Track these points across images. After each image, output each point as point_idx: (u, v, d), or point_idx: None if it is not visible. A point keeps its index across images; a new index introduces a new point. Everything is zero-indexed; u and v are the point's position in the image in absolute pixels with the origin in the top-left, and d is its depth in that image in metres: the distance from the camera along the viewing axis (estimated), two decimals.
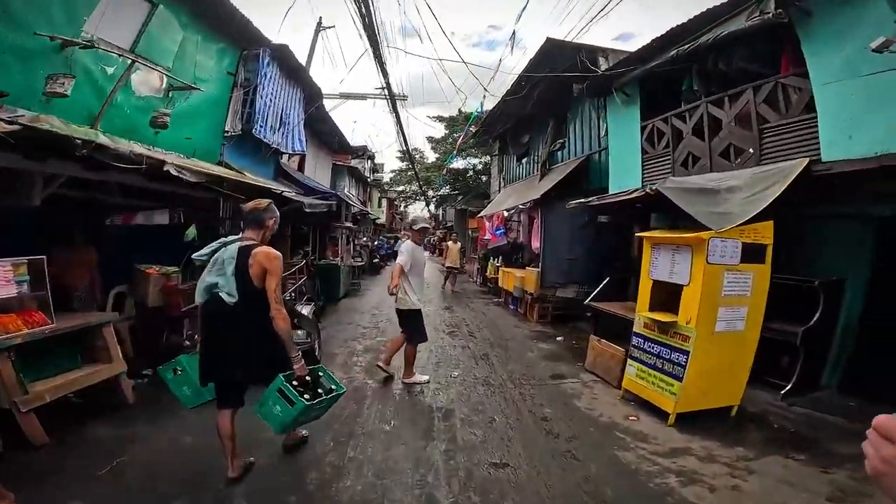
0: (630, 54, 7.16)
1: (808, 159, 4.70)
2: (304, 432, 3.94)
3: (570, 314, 9.66)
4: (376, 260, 21.48)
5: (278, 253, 3.03)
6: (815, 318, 5.03)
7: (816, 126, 4.77)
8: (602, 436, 4.22)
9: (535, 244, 10.21)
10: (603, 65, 8.21)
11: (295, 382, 3.11)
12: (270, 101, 8.72)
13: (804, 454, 3.86)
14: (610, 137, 8.35)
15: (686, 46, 5.97)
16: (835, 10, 4.60)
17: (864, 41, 4.38)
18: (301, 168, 13.01)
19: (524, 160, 14.77)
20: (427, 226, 6.11)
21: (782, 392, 5.08)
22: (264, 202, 3.24)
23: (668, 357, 4.67)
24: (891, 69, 4.18)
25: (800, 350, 5.01)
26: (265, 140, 8.66)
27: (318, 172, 14.91)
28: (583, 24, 43.21)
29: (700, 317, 4.41)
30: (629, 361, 5.20)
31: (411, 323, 5.40)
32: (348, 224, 14.10)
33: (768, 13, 4.86)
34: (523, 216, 12.50)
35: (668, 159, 6.86)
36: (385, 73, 9.55)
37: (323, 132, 14.69)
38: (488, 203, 17.82)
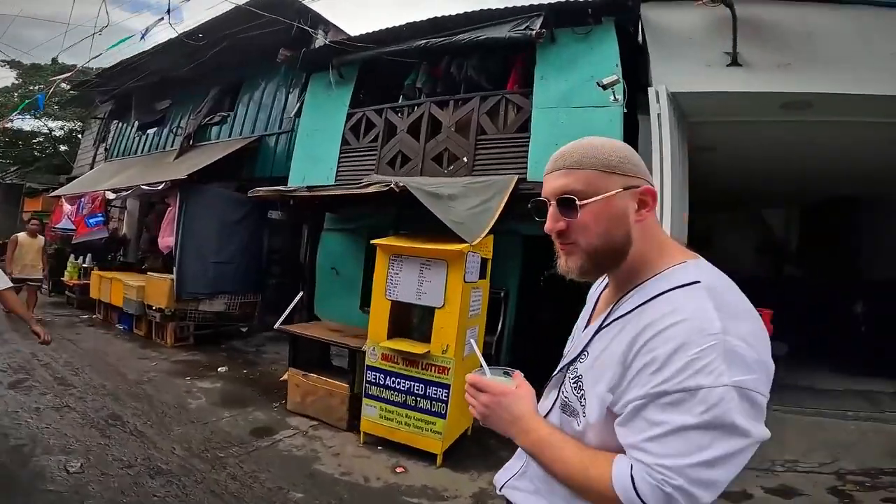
0: (371, 33, 6.22)
1: (517, 176, 4.97)
2: None
3: (219, 332, 7.48)
4: None
5: None
6: (500, 327, 5.35)
7: (528, 145, 5.17)
8: None
9: (167, 241, 7.35)
10: (320, 39, 6.89)
11: None
12: None
13: None
14: (303, 119, 6.94)
15: (431, 41, 5.56)
16: (571, 43, 5.11)
17: (585, 75, 4.98)
18: None
19: (152, 130, 11.04)
20: None
21: None
22: None
23: (422, 393, 3.92)
24: (593, 105, 4.90)
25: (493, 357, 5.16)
26: None
27: None
28: None
29: (457, 343, 3.79)
30: (366, 401, 4.15)
31: None
32: None
33: (532, 30, 4.94)
34: (140, 203, 9.30)
35: (374, 155, 6.17)
36: None
37: None
38: (68, 180, 12.60)
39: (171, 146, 10.04)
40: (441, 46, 5.63)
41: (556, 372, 1.01)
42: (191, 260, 7.02)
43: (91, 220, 8.87)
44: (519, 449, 1.01)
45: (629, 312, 0.86)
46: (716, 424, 0.73)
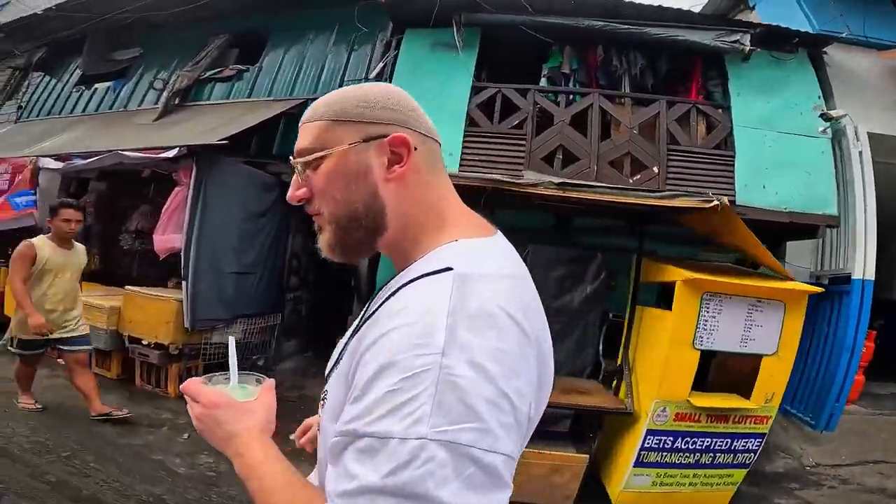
0: None
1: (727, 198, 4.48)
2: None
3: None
4: None
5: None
6: None
7: (731, 163, 4.70)
8: None
9: (168, 240, 4.81)
10: None
11: None
12: None
13: None
14: (398, 84, 5.29)
15: (610, 24, 4.76)
16: (765, 65, 4.81)
17: (787, 101, 4.73)
18: None
19: (104, 85, 7.87)
20: None
21: None
22: None
23: (726, 447, 3.40)
24: (801, 133, 4.68)
25: None
26: None
27: None
28: None
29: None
30: (636, 471, 3.30)
31: None
32: None
33: (743, 45, 4.53)
34: (63, 179, 6.47)
35: (519, 145, 4.98)
36: None
37: None
38: None
39: (139, 105, 7.26)
40: (622, 34, 4.86)
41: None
42: (206, 270, 4.81)
43: (17, 200, 5.86)
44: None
45: (376, 310, 0.65)
46: (406, 493, 0.50)
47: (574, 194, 3.45)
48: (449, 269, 0.60)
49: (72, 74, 8.38)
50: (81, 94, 8.15)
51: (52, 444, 3.40)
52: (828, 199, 4.46)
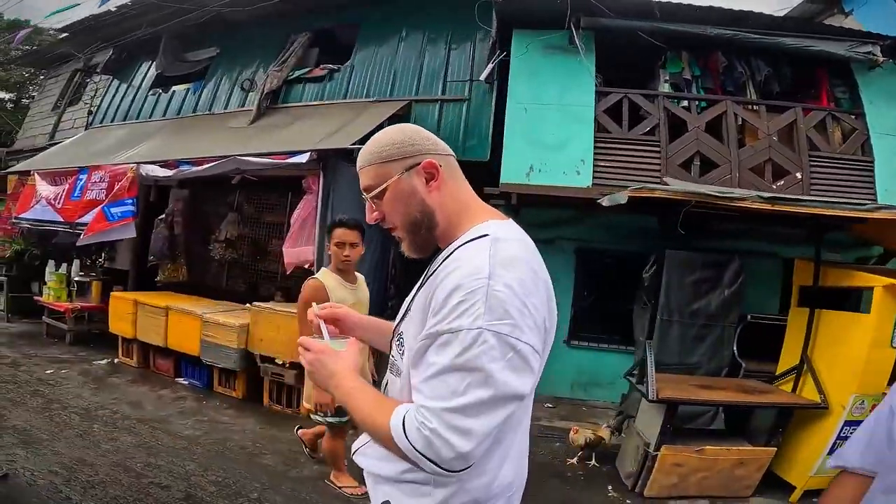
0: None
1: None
2: None
3: None
4: None
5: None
6: None
7: (873, 171, 4.69)
8: None
9: (299, 253, 4.44)
10: None
11: None
12: None
13: None
14: (514, 88, 5.03)
15: (740, 33, 4.71)
16: (890, 74, 4.80)
17: None
18: None
19: (181, 88, 7.58)
20: None
21: None
22: None
23: None
24: None
25: None
26: None
27: None
28: None
29: None
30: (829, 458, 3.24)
31: None
32: None
33: (875, 56, 4.53)
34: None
35: (653, 152, 4.86)
36: None
37: None
38: (10, 155, 9.43)
39: (225, 107, 6.95)
40: (743, 41, 4.80)
41: (391, 337, 1.07)
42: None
43: (113, 210, 5.49)
44: None
45: (436, 269, 0.93)
46: (468, 368, 0.77)
47: (787, 209, 3.34)
48: (486, 235, 0.89)
49: (144, 77, 7.99)
50: (159, 97, 7.74)
51: None
52: None
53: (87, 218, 5.79)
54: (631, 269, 5.12)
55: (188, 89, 7.46)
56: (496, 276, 0.79)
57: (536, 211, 5.29)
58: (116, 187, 5.66)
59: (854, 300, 3.71)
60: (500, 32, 5.38)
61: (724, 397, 3.63)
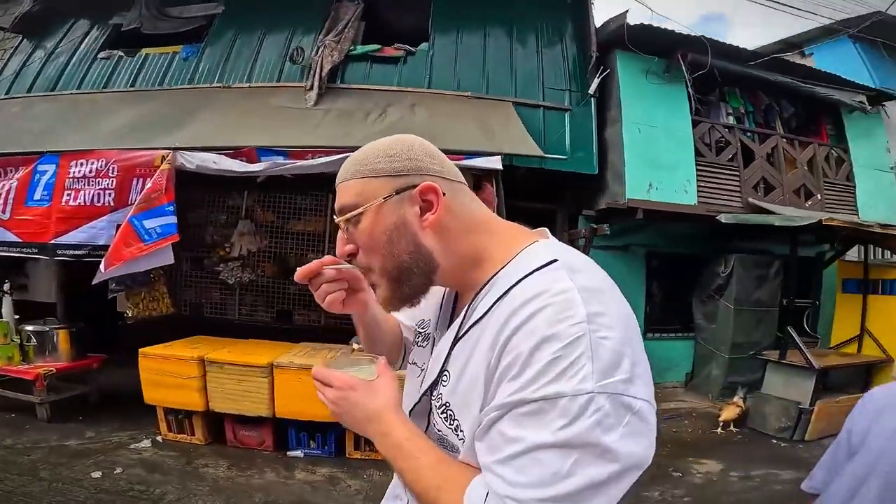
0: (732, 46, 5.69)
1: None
2: None
3: None
4: None
5: None
6: None
7: (855, 193, 6.37)
8: None
9: None
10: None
11: None
12: None
13: None
14: (627, 109, 5.28)
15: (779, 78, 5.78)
16: (863, 117, 6.48)
17: (881, 145, 6.59)
18: None
19: (160, 51, 5.79)
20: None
21: None
22: None
23: None
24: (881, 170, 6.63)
25: None
26: None
27: None
28: None
29: None
30: None
31: None
32: None
33: (863, 103, 6.13)
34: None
35: (736, 177, 5.73)
36: None
37: None
38: None
39: (243, 80, 5.56)
40: (778, 83, 5.98)
41: (417, 399, 0.80)
42: None
43: (148, 224, 3.83)
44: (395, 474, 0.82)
45: (486, 312, 0.69)
46: (577, 444, 0.57)
47: None
48: (554, 260, 0.66)
49: (85, 37, 5.81)
50: (118, 62, 5.71)
51: None
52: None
53: (79, 236, 4.03)
54: (688, 269, 6.14)
55: (176, 54, 5.69)
56: (596, 319, 0.61)
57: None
58: (143, 188, 3.95)
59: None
60: (602, 49, 5.59)
61: (842, 361, 4.95)
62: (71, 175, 4.06)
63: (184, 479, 3.37)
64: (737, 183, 5.77)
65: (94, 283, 3.86)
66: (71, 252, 4.05)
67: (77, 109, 5.09)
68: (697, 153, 5.66)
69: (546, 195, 5.67)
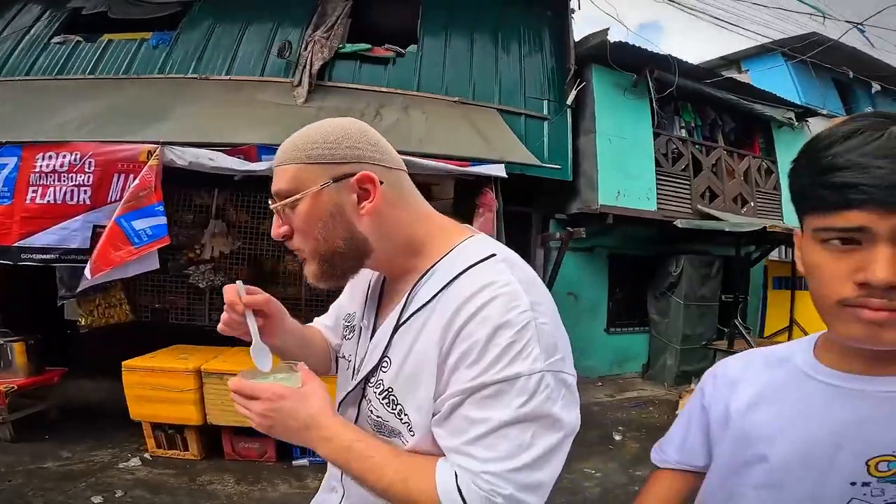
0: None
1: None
2: None
3: None
4: None
5: None
6: None
7: (781, 201, 7.26)
8: None
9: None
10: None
11: None
12: None
13: None
14: (600, 121, 5.62)
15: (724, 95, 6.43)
16: (789, 131, 7.42)
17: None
18: None
19: (125, 37, 5.28)
20: None
21: None
22: None
23: None
24: None
25: None
26: None
27: None
28: None
29: None
30: None
31: None
32: None
33: (791, 119, 6.97)
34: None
35: (688, 185, 6.29)
36: None
37: None
38: None
39: (223, 73, 5.29)
40: (723, 99, 6.70)
41: (351, 387, 0.83)
42: None
43: (137, 225, 3.55)
44: (330, 466, 0.86)
45: (430, 300, 0.72)
46: (534, 416, 0.64)
47: None
48: (493, 255, 0.73)
49: (37, 21, 5.19)
50: (75, 48, 5.17)
51: None
52: None
53: (49, 238, 3.61)
54: (644, 268, 6.74)
55: (143, 41, 5.22)
56: (536, 307, 0.67)
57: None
58: (126, 185, 3.63)
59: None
60: (577, 63, 5.94)
61: None
62: (37, 169, 3.61)
63: (194, 498, 3.23)
64: (688, 191, 6.40)
65: (79, 290, 3.60)
66: (38, 256, 3.62)
67: (28, 97, 4.53)
68: (657, 163, 6.19)
69: (522, 199, 5.93)
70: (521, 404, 0.64)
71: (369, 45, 5.54)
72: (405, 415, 0.73)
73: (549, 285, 4.99)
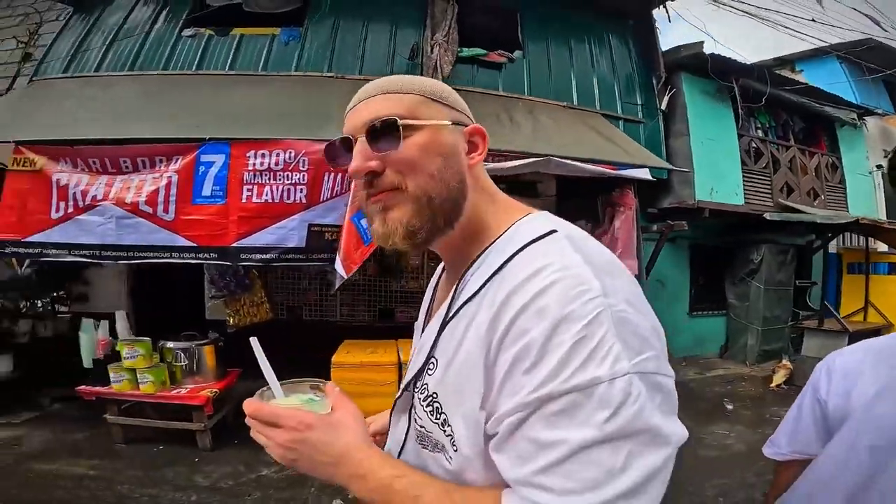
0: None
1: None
2: None
3: None
4: None
5: None
6: None
7: (846, 195, 7.85)
8: None
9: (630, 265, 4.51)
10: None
11: None
12: None
13: None
14: (694, 124, 6.25)
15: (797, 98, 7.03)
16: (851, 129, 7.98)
17: (862, 153, 8.13)
18: None
19: (254, 32, 5.63)
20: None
21: None
22: None
23: None
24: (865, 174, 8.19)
25: None
26: None
27: None
28: None
29: None
30: None
31: None
32: None
33: (854, 119, 7.53)
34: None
35: (769, 181, 6.90)
36: None
37: None
38: None
39: (356, 72, 5.54)
40: (793, 101, 7.27)
41: (398, 393, 0.75)
42: None
43: (364, 225, 3.65)
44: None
45: (480, 289, 0.62)
46: (628, 433, 0.51)
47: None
48: (553, 231, 0.61)
49: (157, 11, 5.67)
50: (207, 41, 5.54)
51: None
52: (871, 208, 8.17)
53: (267, 238, 3.66)
54: (721, 257, 7.36)
55: (274, 37, 5.60)
56: (611, 293, 0.54)
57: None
58: (334, 184, 3.71)
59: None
60: (668, 71, 6.53)
61: (861, 327, 6.28)
62: (250, 167, 3.64)
63: None
64: (769, 186, 6.99)
65: (335, 290, 3.88)
66: (258, 256, 3.68)
67: (173, 91, 4.88)
68: (742, 162, 6.80)
69: None
70: (606, 419, 0.51)
71: (485, 51, 6.00)
72: (448, 426, 0.62)
73: (647, 276, 5.54)
